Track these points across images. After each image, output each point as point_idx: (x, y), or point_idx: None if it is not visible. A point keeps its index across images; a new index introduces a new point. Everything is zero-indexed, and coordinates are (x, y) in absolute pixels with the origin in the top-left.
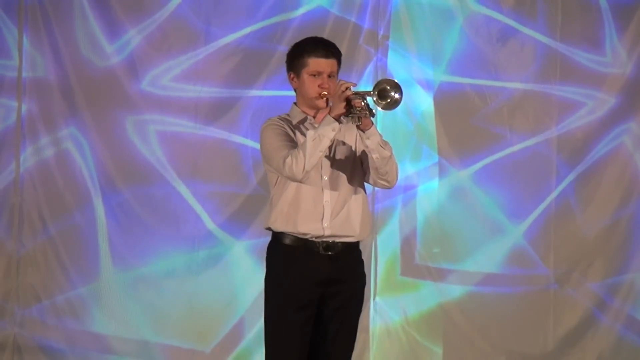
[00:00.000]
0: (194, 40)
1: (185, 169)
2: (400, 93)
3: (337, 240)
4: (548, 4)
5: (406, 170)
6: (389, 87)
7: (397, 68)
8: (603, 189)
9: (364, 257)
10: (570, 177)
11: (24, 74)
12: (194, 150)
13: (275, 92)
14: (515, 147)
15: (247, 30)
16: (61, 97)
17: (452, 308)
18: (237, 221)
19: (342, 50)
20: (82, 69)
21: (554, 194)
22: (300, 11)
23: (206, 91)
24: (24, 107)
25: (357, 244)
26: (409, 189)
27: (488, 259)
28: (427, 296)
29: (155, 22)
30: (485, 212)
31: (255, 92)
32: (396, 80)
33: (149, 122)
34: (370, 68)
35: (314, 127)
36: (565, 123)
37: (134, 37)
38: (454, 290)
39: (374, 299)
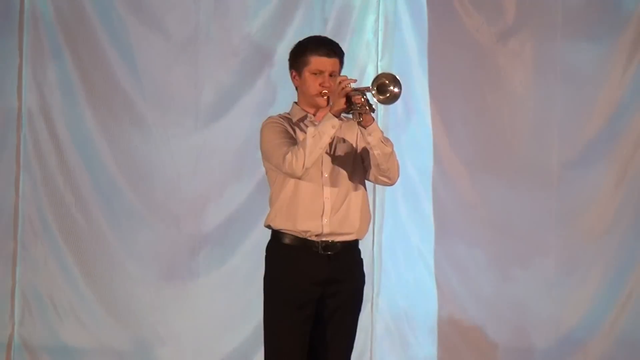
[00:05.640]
0: (194, 39)
1: (185, 169)
2: (400, 87)
3: (337, 239)
4: (549, 4)
5: (407, 170)
6: (387, 82)
7: (398, 68)
8: (605, 189)
9: (366, 256)
10: (572, 177)
11: (24, 73)
12: (194, 150)
13: (275, 92)
14: (517, 147)
15: (247, 30)
16: (61, 96)
17: (453, 308)
18: (237, 221)
19: (343, 48)
20: (82, 68)
21: (555, 194)
22: (301, 11)
23: (206, 91)
24: (24, 107)
25: (356, 242)
26: (410, 188)
27: (489, 258)
28: (428, 296)
29: (156, 21)
30: (487, 212)
31: (255, 92)
32: (395, 74)
33: (149, 121)
34: (370, 68)
35: (314, 125)
36: (564, 123)
37: (135, 36)
38: (455, 291)
39: (374, 299)
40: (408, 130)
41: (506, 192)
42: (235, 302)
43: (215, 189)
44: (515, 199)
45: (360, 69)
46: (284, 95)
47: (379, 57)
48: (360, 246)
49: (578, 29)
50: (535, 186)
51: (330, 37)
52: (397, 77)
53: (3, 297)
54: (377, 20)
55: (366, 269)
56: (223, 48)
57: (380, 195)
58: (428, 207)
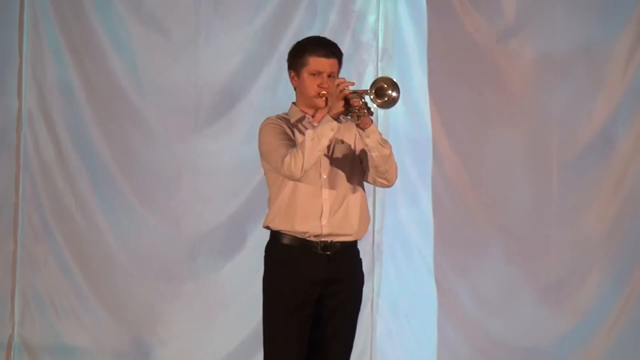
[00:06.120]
0: (194, 39)
1: (185, 169)
2: (398, 91)
3: (335, 239)
4: (548, 4)
5: (407, 170)
6: (386, 86)
7: (398, 68)
8: (605, 189)
9: (366, 257)
10: (572, 177)
11: (24, 73)
12: (194, 150)
13: (275, 92)
14: (516, 147)
15: (247, 30)
16: (61, 96)
17: (453, 308)
18: (237, 221)
19: (343, 49)
20: (82, 68)
21: (555, 194)
22: (301, 11)
23: (206, 91)
24: (24, 107)
25: (355, 243)
26: (410, 188)
27: (488, 258)
28: (428, 296)
29: (156, 21)
30: (486, 212)
31: (255, 93)
32: (394, 79)
33: (149, 121)
34: (370, 68)
35: (312, 126)
36: (566, 123)
37: (135, 36)
38: (455, 290)
39: (374, 299)
40: (408, 130)
41: (506, 192)
42: (235, 302)
43: (215, 189)
44: (515, 199)
45: (360, 70)
46: (284, 96)
47: (379, 58)
48: (361, 247)
49: (578, 29)
50: (535, 186)
51: (330, 37)
52: (396, 81)
53: (3, 297)
54: (377, 20)
55: (366, 269)
56: (223, 48)
57: (380, 195)
58: (428, 208)
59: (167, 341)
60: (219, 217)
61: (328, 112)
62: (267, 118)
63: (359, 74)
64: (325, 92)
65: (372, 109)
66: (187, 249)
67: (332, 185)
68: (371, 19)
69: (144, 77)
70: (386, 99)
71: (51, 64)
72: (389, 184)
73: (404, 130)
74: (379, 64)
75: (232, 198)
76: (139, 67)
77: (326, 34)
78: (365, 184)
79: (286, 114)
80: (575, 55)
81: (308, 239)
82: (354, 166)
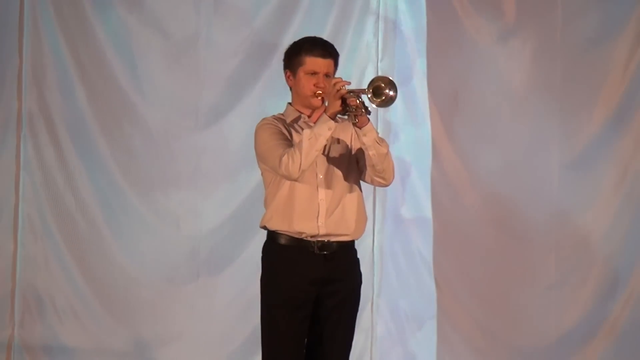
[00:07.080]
0: (194, 40)
1: (185, 169)
2: (395, 90)
3: (332, 239)
4: (549, 4)
5: (408, 170)
6: (383, 85)
7: (398, 69)
8: (605, 189)
9: (366, 257)
10: (572, 177)
11: (24, 73)
12: (194, 150)
13: (275, 92)
14: (516, 147)
15: (247, 30)
16: (61, 96)
17: (453, 308)
18: (238, 222)
19: (343, 49)
20: (83, 68)
21: (555, 194)
22: (301, 11)
23: (206, 92)
24: (24, 108)
25: (352, 242)
26: (410, 188)
27: (488, 258)
28: (428, 296)
29: (156, 22)
30: (486, 212)
31: (255, 93)
32: (391, 78)
33: (149, 121)
34: (370, 69)
35: (308, 126)
36: (566, 124)
37: (135, 36)
38: (455, 290)
39: (374, 299)
40: (408, 130)
41: (506, 192)
42: (235, 302)
43: (215, 190)
44: (515, 199)
45: (360, 70)
46: (284, 96)
47: (379, 58)
48: (361, 247)
49: (578, 29)
50: (535, 186)
51: (330, 38)
52: (393, 80)
53: (3, 298)
54: (377, 21)
55: (366, 269)
56: (223, 48)
57: (380, 195)
58: (428, 207)
59: (167, 341)
60: (219, 217)
61: (325, 112)
62: (263, 118)
63: (359, 73)
64: (321, 92)
65: (369, 109)
66: (187, 249)
67: (328, 185)
68: (371, 19)
69: (144, 77)
70: (384, 97)
71: (51, 64)
72: (386, 182)
73: (404, 130)
74: (379, 64)
75: (232, 198)
76: (139, 67)
77: (326, 34)
78: (363, 184)
79: (282, 114)
80: (575, 55)
81: (305, 239)
82: (351, 166)
